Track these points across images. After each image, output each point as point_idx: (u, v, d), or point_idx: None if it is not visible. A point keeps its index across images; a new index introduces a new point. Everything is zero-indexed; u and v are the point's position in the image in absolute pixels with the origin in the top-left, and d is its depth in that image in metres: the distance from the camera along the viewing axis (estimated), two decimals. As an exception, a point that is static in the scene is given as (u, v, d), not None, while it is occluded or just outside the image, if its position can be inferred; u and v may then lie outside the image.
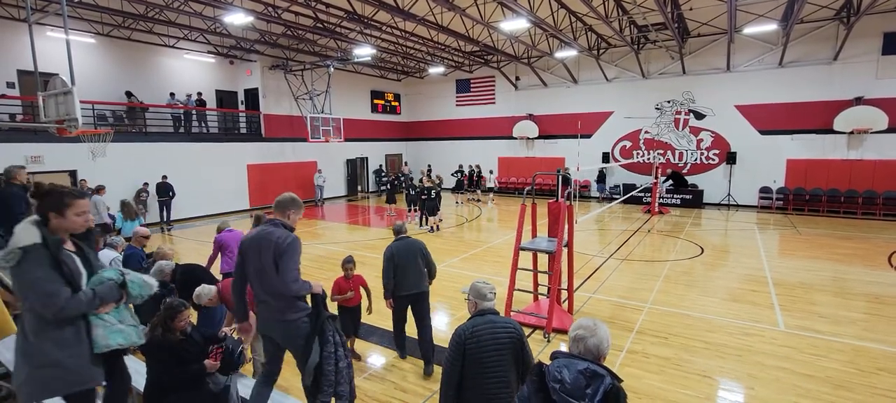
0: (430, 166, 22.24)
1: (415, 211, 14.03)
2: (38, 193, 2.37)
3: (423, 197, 13.14)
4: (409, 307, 4.79)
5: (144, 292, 2.67)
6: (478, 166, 20.19)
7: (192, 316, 3.53)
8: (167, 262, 4.29)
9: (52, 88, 6.47)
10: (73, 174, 12.59)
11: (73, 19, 12.67)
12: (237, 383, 3.55)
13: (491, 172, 20.78)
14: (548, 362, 1.90)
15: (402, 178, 18.10)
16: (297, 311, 2.94)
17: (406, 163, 23.54)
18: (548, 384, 1.75)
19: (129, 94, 14.29)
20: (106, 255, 5.79)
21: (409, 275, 4.65)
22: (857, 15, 12.21)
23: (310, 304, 3.06)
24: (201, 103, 16.45)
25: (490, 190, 20.29)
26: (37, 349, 2.27)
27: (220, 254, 6.03)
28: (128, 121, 14.36)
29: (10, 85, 12.38)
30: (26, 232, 2.27)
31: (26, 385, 2.29)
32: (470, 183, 19.96)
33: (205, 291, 4.04)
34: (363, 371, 4.96)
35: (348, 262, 4.83)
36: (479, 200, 19.55)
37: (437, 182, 13.57)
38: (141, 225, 6.84)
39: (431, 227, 12.89)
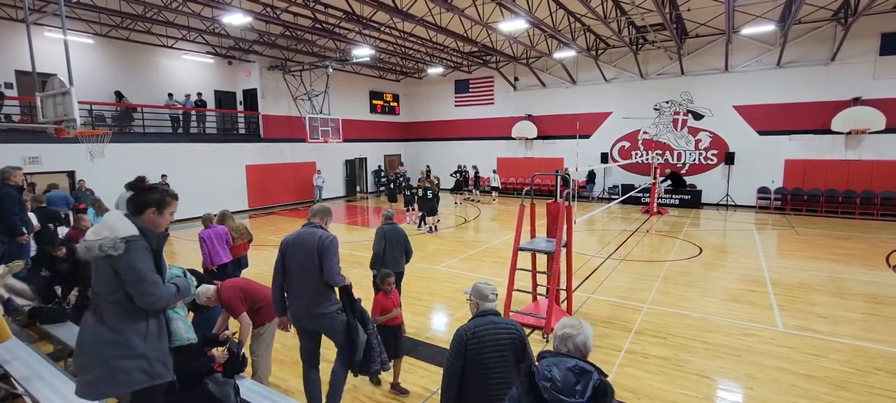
0: (428, 167, 22.26)
1: (412, 210, 14.03)
2: (138, 186, 2.43)
3: (419, 197, 13.16)
4: None
5: (192, 291, 2.81)
6: (474, 166, 20.20)
7: (188, 316, 3.52)
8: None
9: (50, 89, 6.45)
10: (71, 175, 12.56)
11: (71, 20, 12.65)
12: (236, 383, 3.54)
13: (494, 172, 20.80)
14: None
15: (401, 179, 18.10)
16: (332, 304, 3.30)
17: (402, 164, 23.54)
18: (538, 383, 1.77)
19: (118, 95, 14.12)
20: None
21: (394, 255, 5.46)
22: (854, 15, 12.25)
23: (338, 297, 3.46)
24: (202, 103, 16.42)
25: (494, 189, 20.30)
26: (123, 340, 2.27)
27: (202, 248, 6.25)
28: (113, 123, 13.73)
29: (7, 85, 12.35)
30: (124, 224, 2.29)
31: (107, 377, 2.26)
32: (466, 183, 19.96)
33: (204, 290, 4.03)
34: (362, 371, 4.96)
35: (388, 276, 4.49)
36: (477, 200, 19.55)
37: (436, 183, 13.57)
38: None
39: (430, 228, 12.88)
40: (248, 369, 4.12)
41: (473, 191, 19.84)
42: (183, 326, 2.62)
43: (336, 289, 3.44)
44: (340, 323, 3.36)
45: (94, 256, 2.24)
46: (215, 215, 6.63)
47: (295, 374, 4.90)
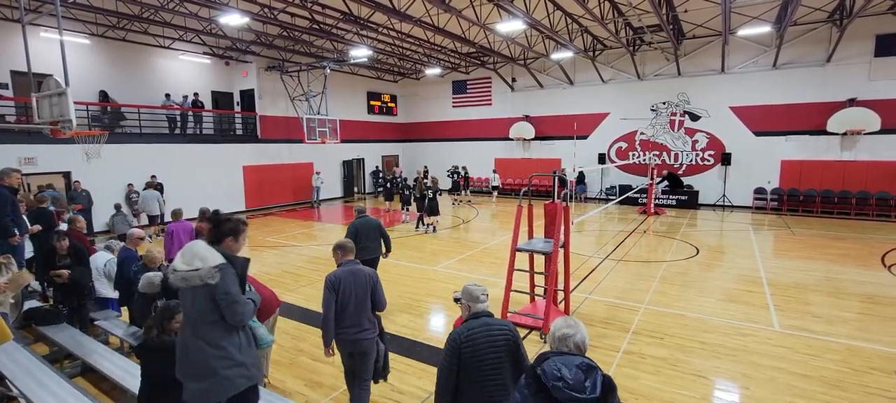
0: (426, 167, 22.26)
1: (408, 210, 14.06)
2: (216, 220, 2.81)
3: (418, 198, 13.17)
4: None
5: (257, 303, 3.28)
6: (464, 167, 20.20)
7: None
8: (155, 274, 4.18)
9: (46, 89, 6.42)
10: (66, 175, 12.49)
11: (68, 20, 12.58)
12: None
13: (494, 171, 20.80)
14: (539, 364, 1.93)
15: (398, 180, 18.11)
16: (374, 330, 3.78)
17: (397, 166, 23.53)
18: (548, 384, 1.79)
19: (103, 94, 13.85)
20: (101, 257, 5.77)
21: (369, 244, 6.04)
22: (849, 17, 12.32)
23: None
24: (199, 104, 16.38)
25: (495, 189, 20.30)
26: (225, 354, 2.64)
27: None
28: (96, 123, 13.37)
29: (3, 86, 12.27)
30: (213, 254, 2.61)
31: (217, 386, 2.62)
32: (467, 184, 19.95)
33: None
34: (360, 372, 4.95)
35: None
36: (469, 201, 19.50)
37: (436, 182, 13.60)
38: (135, 228, 6.82)
39: (428, 227, 12.88)
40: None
41: (462, 192, 19.85)
42: (263, 332, 3.23)
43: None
44: (375, 341, 3.85)
45: (193, 286, 2.54)
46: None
47: (293, 375, 4.90)
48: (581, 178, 18.94)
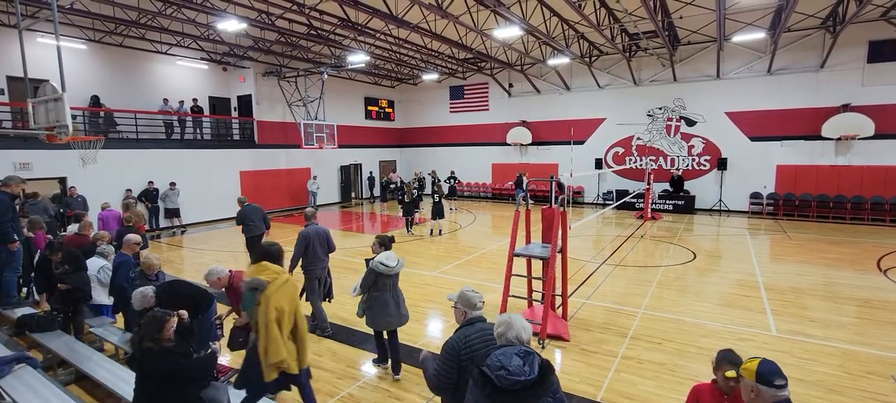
0: (417, 172, 22.21)
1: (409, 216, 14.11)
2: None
3: (415, 199, 13.36)
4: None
5: None
6: (452, 172, 20.13)
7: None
8: (148, 288, 4.13)
9: (43, 94, 6.39)
10: (62, 181, 12.43)
11: (65, 26, 12.56)
12: (228, 391, 3.51)
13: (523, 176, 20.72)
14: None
15: (394, 185, 18.16)
16: (327, 263, 6.02)
17: (394, 171, 23.52)
18: (492, 376, 1.96)
19: (95, 99, 13.79)
20: (94, 263, 5.71)
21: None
22: (842, 24, 12.45)
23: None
24: (198, 109, 16.35)
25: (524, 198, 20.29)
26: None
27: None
28: (91, 128, 13.37)
29: (-1, 91, 12.24)
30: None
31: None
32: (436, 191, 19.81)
33: (216, 270, 4.15)
34: (356, 379, 4.93)
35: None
36: (454, 209, 19.34)
37: (419, 185, 13.89)
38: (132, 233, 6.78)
39: (432, 231, 13.03)
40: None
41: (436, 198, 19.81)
42: None
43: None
44: (328, 271, 6.07)
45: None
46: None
47: (289, 382, 4.86)
48: (560, 187, 18.88)
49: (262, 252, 3.68)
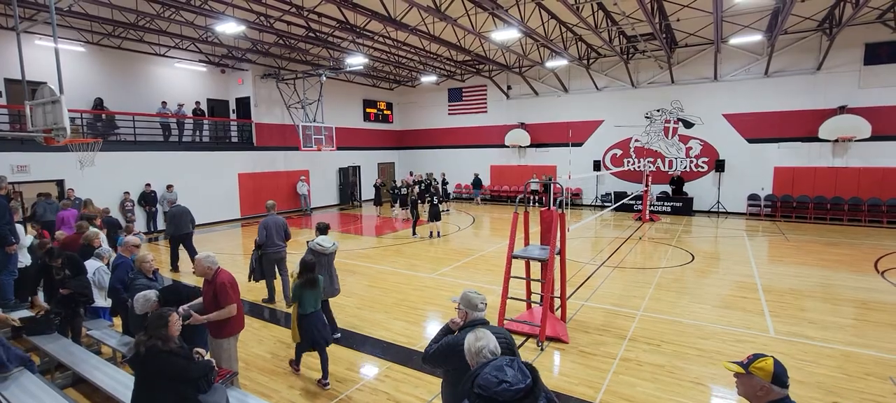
0: (428, 173, 22.21)
1: (408, 218, 14.15)
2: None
3: (414, 201, 13.39)
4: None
5: None
6: (443, 173, 20.10)
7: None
8: (150, 291, 4.11)
9: (40, 97, 6.37)
10: (60, 183, 12.39)
11: (63, 28, 12.53)
12: (227, 394, 3.50)
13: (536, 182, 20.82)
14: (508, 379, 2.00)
15: (408, 187, 18.15)
16: (285, 248, 7.41)
17: (411, 173, 23.48)
18: (492, 392, 1.90)
19: (99, 101, 13.81)
20: (90, 266, 5.69)
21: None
22: (839, 26, 12.51)
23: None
24: (201, 112, 16.33)
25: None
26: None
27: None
28: (90, 131, 13.46)
29: (-4, 93, 12.20)
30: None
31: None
32: (429, 193, 19.76)
33: (206, 258, 4.12)
34: (355, 381, 4.92)
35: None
36: (447, 210, 19.26)
37: (418, 186, 13.93)
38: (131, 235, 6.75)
39: (431, 233, 13.02)
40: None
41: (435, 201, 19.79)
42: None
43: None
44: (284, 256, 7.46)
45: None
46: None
47: (286, 384, 4.85)
48: (477, 183, 19.77)
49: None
